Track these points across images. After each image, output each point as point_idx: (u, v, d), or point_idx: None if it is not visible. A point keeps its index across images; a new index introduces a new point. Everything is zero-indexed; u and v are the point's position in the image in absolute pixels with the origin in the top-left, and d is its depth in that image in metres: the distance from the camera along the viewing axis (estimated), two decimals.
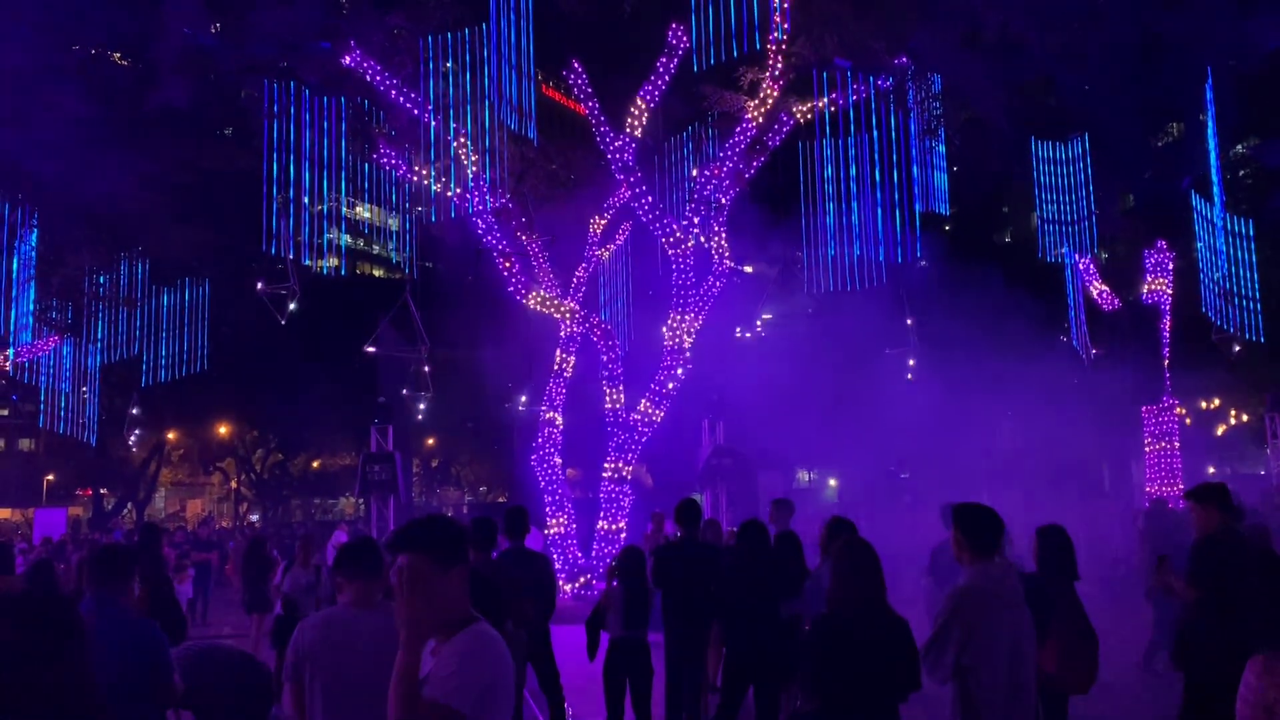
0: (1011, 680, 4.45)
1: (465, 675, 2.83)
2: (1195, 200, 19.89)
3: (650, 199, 17.67)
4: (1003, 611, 4.50)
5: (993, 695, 4.43)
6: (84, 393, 22.62)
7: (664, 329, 18.28)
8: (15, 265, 17.21)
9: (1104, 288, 21.91)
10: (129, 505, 47.66)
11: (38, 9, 14.32)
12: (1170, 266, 21.17)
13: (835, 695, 4.40)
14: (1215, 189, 18.05)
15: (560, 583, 14.98)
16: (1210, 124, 17.66)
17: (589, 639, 8.07)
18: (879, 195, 16.46)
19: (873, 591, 4.50)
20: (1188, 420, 29.53)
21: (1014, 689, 4.46)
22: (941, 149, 16.98)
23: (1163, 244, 21.22)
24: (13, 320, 17.76)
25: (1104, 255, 24.79)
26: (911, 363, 25.56)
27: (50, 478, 50.74)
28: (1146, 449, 20.93)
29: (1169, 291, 21.08)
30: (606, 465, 17.97)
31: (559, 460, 19.13)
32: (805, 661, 4.53)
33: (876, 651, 4.37)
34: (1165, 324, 21.14)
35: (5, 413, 39.53)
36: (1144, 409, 20.85)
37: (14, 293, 17.41)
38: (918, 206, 16.33)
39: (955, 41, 15.75)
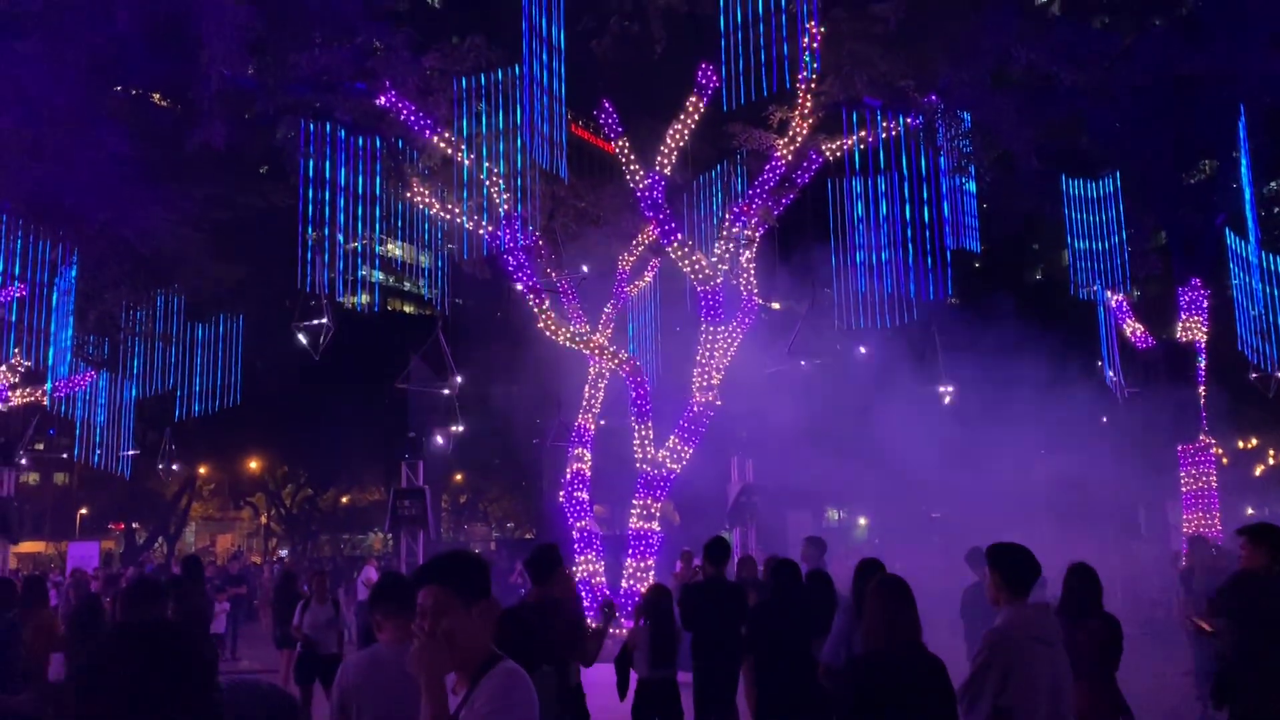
0: (1052, 717, 4.38)
1: (499, 716, 2.76)
2: (1229, 237, 19.71)
3: (679, 236, 17.75)
4: (1040, 652, 4.44)
5: None
6: (118, 427, 22.90)
7: (693, 366, 18.28)
8: (54, 300, 17.51)
9: (1138, 326, 21.71)
10: (160, 539, 47.99)
11: (83, 51, 14.67)
12: (1205, 304, 20.96)
13: None
14: (1250, 226, 17.89)
15: (589, 621, 14.89)
16: (1244, 160, 17.54)
17: (619, 678, 8.01)
18: (909, 232, 16.45)
19: (909, 632, 4.45)
20: (1225, 460, 29.07)
21: None
22: (972, 186, 16.96)
23: (1197, 281, 21.02)
24: (51, 355, 18.04)
25: (1137, 293, 24.60)
26: (944, 400, 25.39)
27: (84, 511, 51.21)
28: (1183, 489, 20.61)
29: (1204, 330, 20.85)
30: (635, 502, 17.92)
31: (587, 497, 19.10)
32: (841, 703, 4.48)
33: (913, 693, 4.31)
34: (1201, 362, 20.89)
35: (41, 446, 39.97)
36: (1180, 448, 20.56)
37: (53, 328, 17.70)
38: (948, 243, 16.29)
39: (984, 80, 15.79)
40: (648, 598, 8.30)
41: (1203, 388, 21.04)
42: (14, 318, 17.95)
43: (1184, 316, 21.03)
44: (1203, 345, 20.81)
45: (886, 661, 4.40)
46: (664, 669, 7.90)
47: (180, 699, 2.04)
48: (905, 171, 16.53)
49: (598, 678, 8.88)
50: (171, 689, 2.03)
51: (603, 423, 20.87)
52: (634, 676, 8.00)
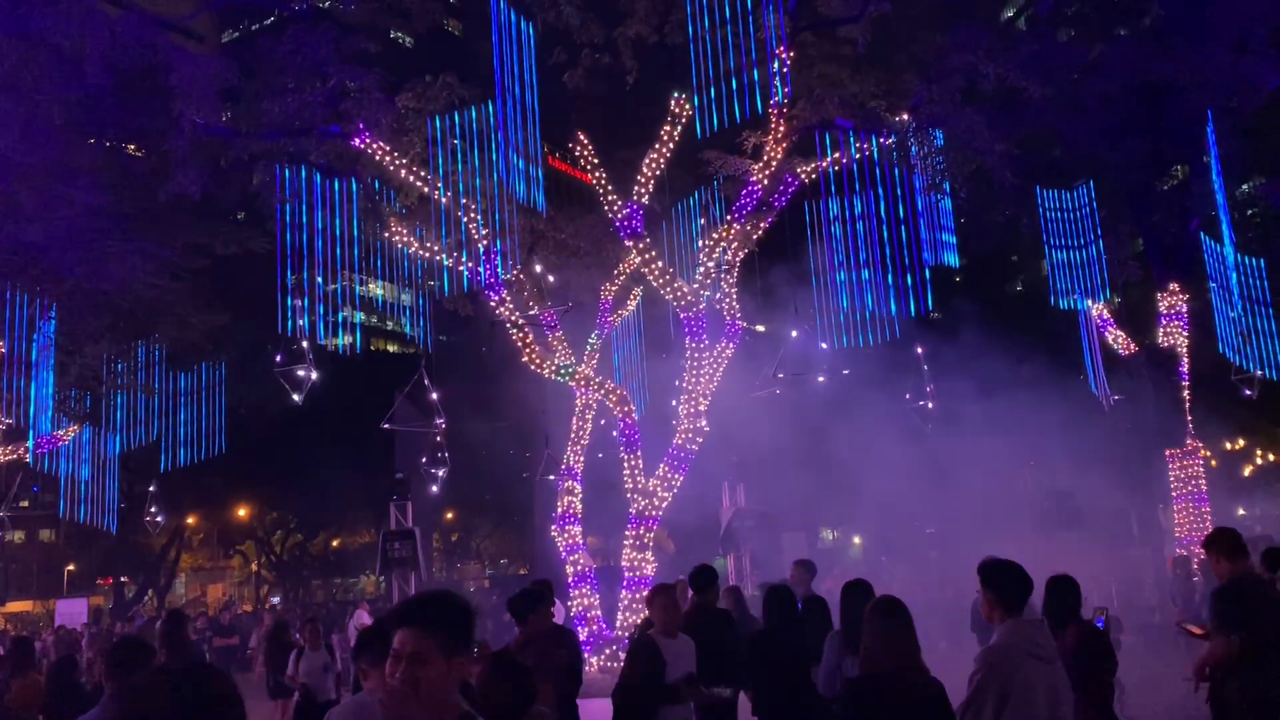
0: None
1: None
2: (1205, 241, 19.87)
3: (660, 263, 17.78)
4: (1038, 667, 4.40)
5: None
6: (103, 480, 22.68)
7: (680, 393, 18.25)
8: (34, 355, 17.38)
9: (1119, 333, 21.82)
10: (150, 592, 47.47)
11: (56, 106, 14.66)
12: (1185, 309, 21.09)
13: None
14: (1225, 229, 18.04)
15: (586, 655, 14.76)
16: (1215, 165, 17.71)
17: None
18: (887, 250, 16.51)
19: (907, 653, 4.40)
20: (1213, 462, 29.17)
21: None
22: (947, 203, 17.07)
23: (1175, 286, 21.17)
24: (32, 411, 17.88)
25: (1117, 300, 24.74)
26: (930, 415, 25.43)
27: (71, 567, 50.65)
28: (1173, 493, 20.65)
29: (1185, 334, 20.97)
30: (628, 532, 17.82)
31: (579, 530, 18.99)
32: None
33: (912, 715, 4.26)
34: (1184, 366, 21.00)
35: (26, 504, 39.56)
36: (1168, 453, 20.63)
37: (33, 383, 17.56)
38: (927, 260, 16.36)
39: (955, 96, 15.93)
40: (643, 630, 8.23)
41: (1187, 391, 21.14)
42: None
43: (1164, 321, 21.16)
44: (1185, 349, 20.93)
45: (885, 684, 4.35)
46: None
47: None
48: (880, 190, 16.62)
49: (595, 713, 8.78)
50: None
51: (600, 456, 20.79)
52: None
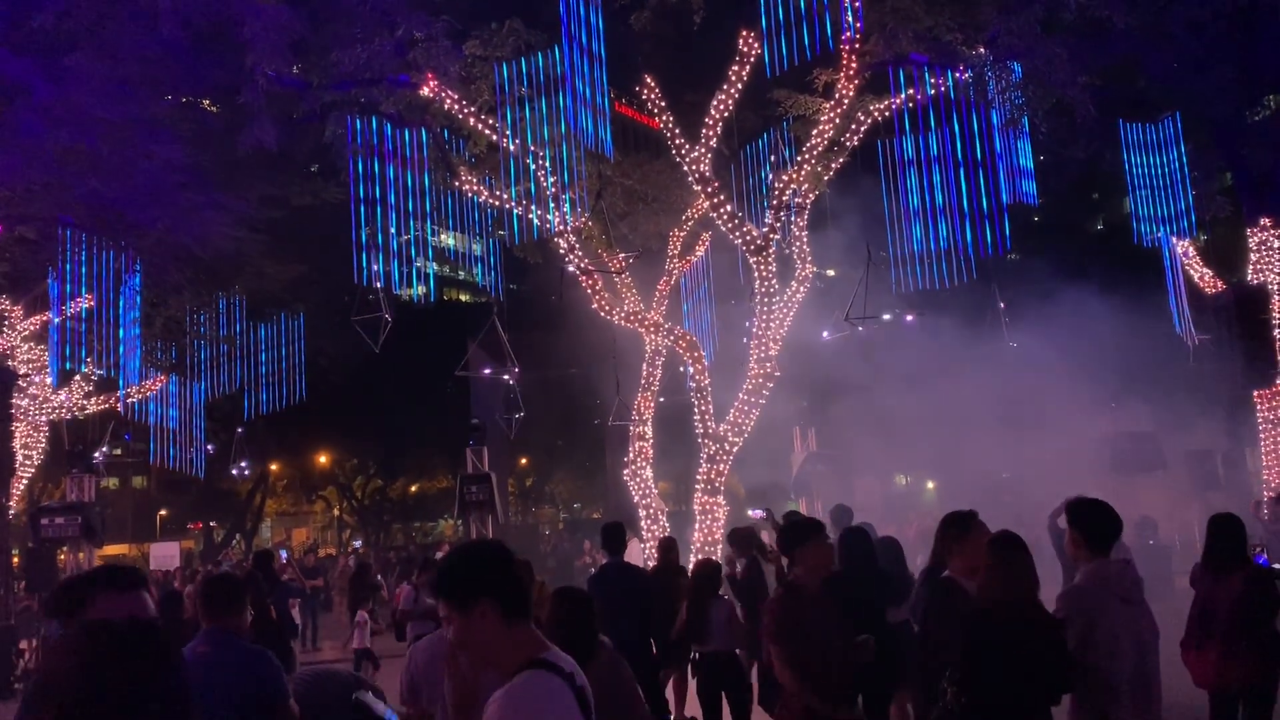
0: (1139, 677, 4.27)
1: None
2: None
3: (729, 207, 17.61)
4: (1122, 609, 4.33)
5: (1118, 694, 4.26)
6: (190, 428, 23.46)
7: (749, 338, 18.16)
8: (121, 308, 17.95)
9: (1206, 271, 21.10)
10: (237, 536, 49.18)
11: (132, 63, 14.94)
12: (1277, 245, 20.29)
13: (988, 697, 4.23)
14: None
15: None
16: None
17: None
18: (964, 189, 16.12)
19: (1026, 590, 4.30)
20: None
21: (1142, 686, 4.28)
22: (1026, 139, 16.56)
23: (1266, 221, 20.34)
24: (122, 362, 18.52)
25: (1204, 237, 23.89)
26: (1008, 358, 24.97)
27: (163, 513, 52.65)
28: (1261, 436, 20.05)
29: (1277, 271, 20.20)
30: (699, 476, 17.91)
31: (650, 474, 19.13)
32: (961, 662, 4.35)
33: (1029, 651, 4.17)
34: (1274, 305, 20.24)
35: (119, 452, 41.11)
36: (1256, 394, 19.99)
37: (122, 334, 18.15)
38: (1005, 198, 15.93)
39: (1034, 28, 15.35)
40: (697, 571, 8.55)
41: (1277, 331, 20.40)
42: (84, 328, 18.44)
43: (1254, 258, 20.38)
44: (1276, 287, 20.16)
45: (1004, 620, 4.24)
46: (718, 644, 7.98)
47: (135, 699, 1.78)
48: (957, 128, 16.17)
49: None
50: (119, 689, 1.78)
51: (663, 400, 20.84)
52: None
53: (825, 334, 22.38)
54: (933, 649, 4.86)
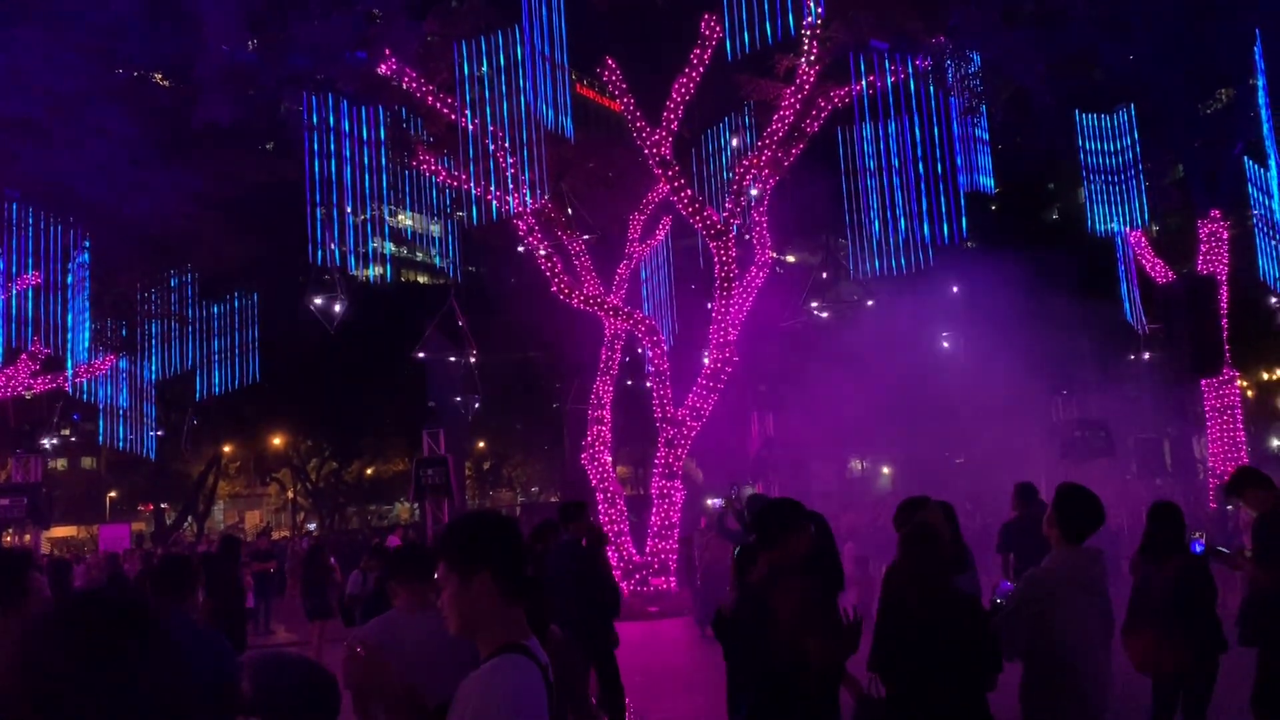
0: (1088, 665, 4.34)
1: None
2: (1249, 167, 19.35)
3: (689, 192, 17.59)
4: (1078, 597, 4.39)
5: (1066, 680, 4.32)
6: (141, 408, 23.05)
7: (709, 323, 18.20)
8: (70, 284, 17.57)
9: (1157, 261, 21.44)
10: (189, 518, 48.52)
11: (82, 34, 14.58)
12: (1225, 236, 20.65)
13: (905, 686, 4.29)
14: (1271, 154, 17.53)
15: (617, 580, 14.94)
16: (1261, 87, 17.16)
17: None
18: (921, 175, 16.24)
19: (935, 576, 4.36)
20: (1249, 392, 28.85)
21: (1090, 673, 4.35)
22: (983, 127, 16.71)
23: (1217, 213, 20.70)
24: (70, 340, 18.14)
25: (1155, 228, 24.25)
26: (962, 344, 25.27)
27: (113, 494, 51.78)
28: (1208, 423, 20.45)
29: (1225, 262, 20.57)
30: (657, 461, 17.94)
31: (609, 458, 19.13)
32: (877, 649, 4.40)
33: (945, 637, 4.21)
34: (1223, 295, 20.62)
35: (67, 432, 40.37)
36: (1204, 382, 20.37)
37: (69, 313, 17.78)
38: (961, 186, 16.07)
39: (994, 17, 15.47)
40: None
41: (1225, 320, 20.79)
42: (31, 306, 18.03)
43: (1204, 249, 20.74)
44: (1224, 277, 20.53)
45: (914, 603, 4.32)
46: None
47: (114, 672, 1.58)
48: (916, 115, 16.27)
49: (627, 635, 8.93)
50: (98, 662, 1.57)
51: (629, 383, 20.84)
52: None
53: (783, 320, 22.50)
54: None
